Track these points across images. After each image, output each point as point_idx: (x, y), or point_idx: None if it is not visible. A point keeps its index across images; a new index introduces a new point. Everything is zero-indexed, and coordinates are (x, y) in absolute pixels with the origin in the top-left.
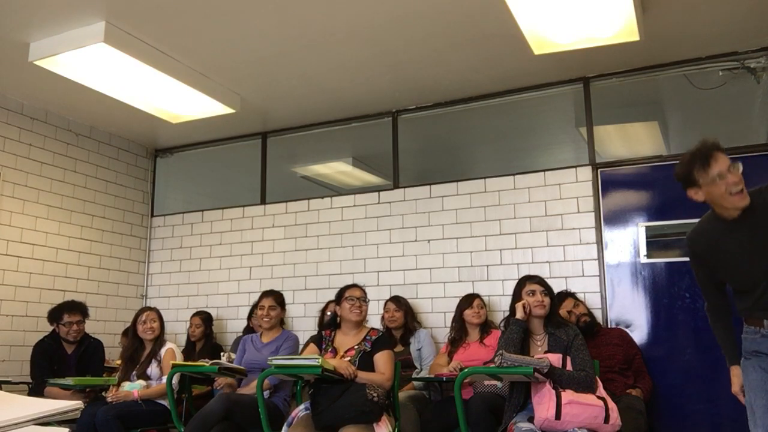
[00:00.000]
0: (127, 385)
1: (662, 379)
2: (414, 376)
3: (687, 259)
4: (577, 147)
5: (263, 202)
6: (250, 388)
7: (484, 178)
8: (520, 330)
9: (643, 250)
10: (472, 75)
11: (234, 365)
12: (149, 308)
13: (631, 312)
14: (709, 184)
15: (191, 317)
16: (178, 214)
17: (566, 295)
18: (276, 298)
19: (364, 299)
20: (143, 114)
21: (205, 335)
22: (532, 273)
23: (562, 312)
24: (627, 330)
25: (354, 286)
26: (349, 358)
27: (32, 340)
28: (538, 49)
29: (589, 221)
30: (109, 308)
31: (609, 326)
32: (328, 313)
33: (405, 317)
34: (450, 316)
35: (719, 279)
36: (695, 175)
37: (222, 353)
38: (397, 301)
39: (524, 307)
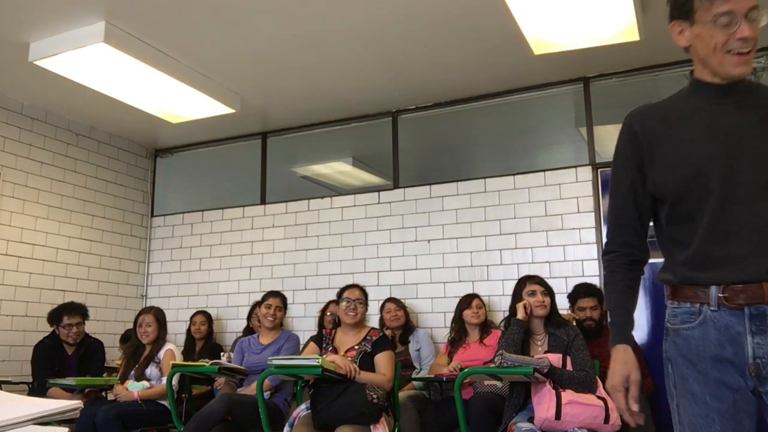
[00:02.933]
0: (129, 384)
1: (663, 379)
2: (414, 376)
3: None
4: (577, 147)
5: (263, 202)
6: (251, 389)
7: (484, 178)
8: (521, 330)
9: None
10: (472, 75)
11: (234, 365)
12: (148, 310)
13: None
14: (706, 24)
15: (194, 315)
16: (178, 214)
17: (585, 294)
18: (282, 299)
19: (361, 301)
20: (143, 114)
21: (206, 335)
22: (532, 273)
23: (579, 308)
24: None
25: (354, 286)
26: (350, 358)
27: (32, 340)
28: (538, 49)
29: (589, 221)
30: (109, 308)
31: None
32: (328, 314)
33: (406, 316)
34: (450, 316)
35: (650, 190)
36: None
37: (222, 353)
38: (396, 300)
39: (525, 308)
